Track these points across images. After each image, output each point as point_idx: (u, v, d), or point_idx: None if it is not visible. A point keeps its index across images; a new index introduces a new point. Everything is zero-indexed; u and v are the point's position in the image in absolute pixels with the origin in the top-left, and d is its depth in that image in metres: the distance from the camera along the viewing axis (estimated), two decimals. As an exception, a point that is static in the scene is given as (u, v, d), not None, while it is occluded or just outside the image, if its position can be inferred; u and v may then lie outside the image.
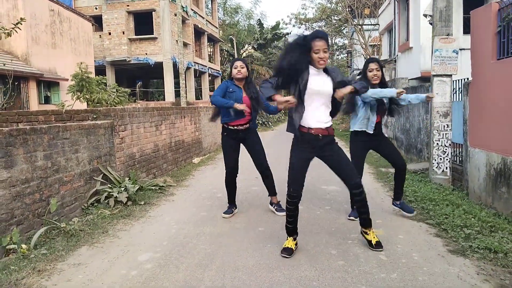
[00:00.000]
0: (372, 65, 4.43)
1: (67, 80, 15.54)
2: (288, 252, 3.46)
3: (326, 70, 3.36)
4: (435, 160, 6.11)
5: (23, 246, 3.69)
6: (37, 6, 14.62)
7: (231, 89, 4.57)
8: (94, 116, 6.03)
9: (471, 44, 5.81)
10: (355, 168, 3.69)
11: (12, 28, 7.01)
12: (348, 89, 3.25)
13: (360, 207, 3.52)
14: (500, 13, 5.19)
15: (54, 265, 3.35)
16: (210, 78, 28.52)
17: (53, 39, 15.58)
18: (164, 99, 21.90)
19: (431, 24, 6.17)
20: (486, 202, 5.33)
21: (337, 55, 42.61)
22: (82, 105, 10.21)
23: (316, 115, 3.31)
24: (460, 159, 6.65)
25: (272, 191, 4.92)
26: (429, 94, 4.57)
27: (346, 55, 38.67)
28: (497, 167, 5.11)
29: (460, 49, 8.64)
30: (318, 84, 3.27)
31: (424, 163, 7.80)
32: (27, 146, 4.19)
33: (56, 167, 4.65)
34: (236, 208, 4.96)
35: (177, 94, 21.52)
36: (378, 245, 3.52)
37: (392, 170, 7.40)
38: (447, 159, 6.09)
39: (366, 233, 3.61)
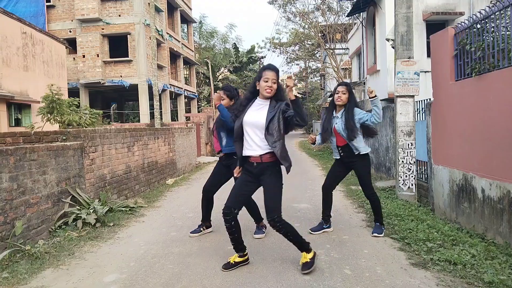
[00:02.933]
0: (339, 88, 4.64)
1: (38, 102, 15.27)
2: (225, 266, 3.59)
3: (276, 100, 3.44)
4: (401, 177, 6.30)
5: (-16, 270, 3.59)
6: (8, 29, 14.46)
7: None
8: (64, 138, 5.96)
9: (431, 66, 6.12)
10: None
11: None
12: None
13: (286, 237, 3.50)
14: (456, 38, 5.51)
15: (16, 289, 3.26)
16: (186, 100, 28.58)
17: (25, 61, 15.36)
18: (139, 121, 21.73)
19: (393, 48, 6.47)
20: (451, 217, 5.52)
21: (311, 78, 43.59)
22: (53, 127, 10.07)
23: (250, 143, 3.43)
24: (426, 176, 6.88)
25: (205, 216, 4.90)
26: (368, 92, 4.64)
27: (320, 78, 39.61)
28: (459, 183, 5.32)
29: (425, 72, 9.07)
30: (252, 116, 3.43)
31: (392, 181, 8.01)
32: (-8, 167, 4.11)
33: (23, 189, 4.56)
34: (206, 228, 4.93)
35: (152, 115, 21.45)
36: (303, 267, 3.46)
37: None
38: (412, 176, 6.29)
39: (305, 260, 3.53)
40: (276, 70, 3.43)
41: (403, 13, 6.14)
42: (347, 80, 25.88)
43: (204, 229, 4.89)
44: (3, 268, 3.71)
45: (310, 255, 3.50)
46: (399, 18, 6.19)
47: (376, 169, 9.81)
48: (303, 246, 3.51)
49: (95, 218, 5.18)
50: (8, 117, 14.09)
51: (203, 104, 23.85)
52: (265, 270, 3.53)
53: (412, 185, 6.28)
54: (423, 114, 7.02)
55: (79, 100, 8.49)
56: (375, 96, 4.55)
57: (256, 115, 3.41)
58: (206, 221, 4.91)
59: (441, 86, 5.87)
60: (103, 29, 20.81)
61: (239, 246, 3.63)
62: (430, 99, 6.39)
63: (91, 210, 5.32)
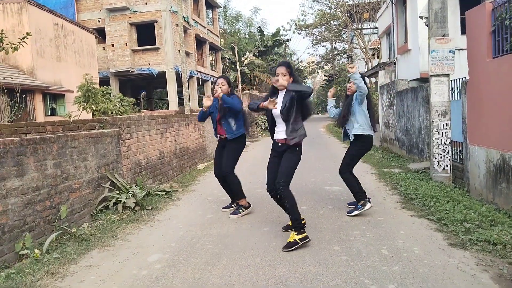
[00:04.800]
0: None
1: (72, 92, 15.79)
2: (287, 246, 3.69)
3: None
4: (436, 158, 6.20)
5: (36, 251, 3.82)
6: (41, 21, 14.90)
7: (212, 110, 5.10)
8: (101, 125, 6.17)
9: (467, 43, 5.93)
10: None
11: (18, 43, 7.22)
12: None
13: (282, 204, 3.99)
14: (493, 13, 5.30)
15: (67, 268, 3.47)
16: (212, 86, 28.79)
17: (57, 52, 15.84)
18: (168, 108, 22.09)
19: (427, 25, 6.30)
20: (487, 198, 5.41)
21: (338, 60, 42.85)
22: (88, 115, 10.40)
23: (279, 129, 4.02)
24: (461, 157, 6.74)
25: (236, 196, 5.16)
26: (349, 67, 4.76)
27: (347, 59, 38.87)
28: (496, 163, 5.19)
29: (458, 49, 8.78)
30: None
31: (425, 162, 7.88)
32: (37, 155, 4.32)
33: (66, 175, 4.78)
34: (245, 208, 5.10)
35: (181, 102, 21.74)
36: (286, 246, 3.67)
37: (395, 170, 7.52)
38: (447, 157, 6.18)
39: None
40: (285, 65, 4.01)
41: (437, -11, 5.95)
42: (376, 61, 25.30)
43: (243, 211, 5.05)
44: (53, 249, 3.94)
45: (299, 237, 3.68)
46: (432, -6, 6.01)
47: (408, 151, 9.66)
48: (296, 224, 3.76)
49: (134, 202, 5.38)
50: (44, 107, 14.64)
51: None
52: (302, 250, 3.60)
53: (447, 166, 6.17)
54: (458, 93, 6.84)
55: (112, 89, 8.71)
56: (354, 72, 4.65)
57: (278, 107, 3.92)
58: (240, 198, 5.11)
59: (478, 63, 5.69)
60: (130, 17, 21.11)
61: (296, 221, 3.80)
62: (465, 77, 6.22)
63: (130, 194, 5.53)
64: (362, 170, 7.92)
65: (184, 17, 21.68)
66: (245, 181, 5.07)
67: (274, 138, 4.09)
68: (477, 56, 5.70)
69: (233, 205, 5.26)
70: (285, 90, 3.93)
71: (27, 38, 7.50)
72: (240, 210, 5.05)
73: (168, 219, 4.96)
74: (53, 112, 15.26)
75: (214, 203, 5.73)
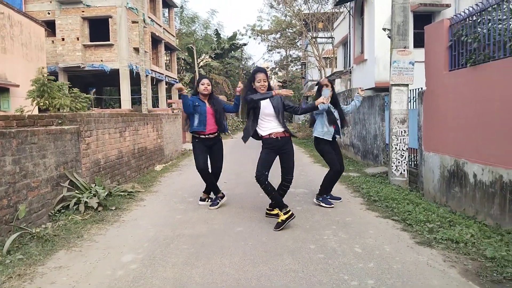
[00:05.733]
0: (326, 92, 5.35)
1: (18, 86, 14.83)
2: (277, 226, 4.29)
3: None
4: (394, 163, 6.54)
5: (-4, 252, 3.57)
6: (-15, 8, 13.91)
7: (196, 103, 5.33)
8: (60, 121, 5.87)
9: (425, 56, 6.32)
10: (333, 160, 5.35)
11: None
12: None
13: (282, 194, 4.66)
14: (451, 29, 5.71)
15: (34, 269, 3.27)
16: (167, 86, 28.23)
17: (2, 43, 14.81)
18: (120, 107, 21.36)
19: (389, 37, 6.64)
20: (441, 201, 5.79)
21: (292, 67, 43.78)
22: (34, 111, 9.83)
23: (273, 124, 4.55)
24: (415, 162, 7.15)
25: (216, 190, 5.62)
26: (361, 91, 5.86)
27: (301, 66, 39.82)
28: (450, 168, 5.58)
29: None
30: (265, 107, 4.54)
31: (381, 167, 8.28)
32: (-5, 150, 4.05)
33: (24, 172, 4.51)
34: (221, 198, 5.55)
35: (133, 101, 21.12)
36: (277, 225, 4.30)
37: (353, 174, 7.82)
38: (404, 162, 6.54)
39: (275, 214, 4.59)
40: (265, 72, 4.65)
41: (400, 3, 6.30)
42: (330, 70, 26.16)
43: (219, 201, 5.48)
44: (14, 250, 3.69)
45: (286, 216, 4.30)
46: (396, 8, 6.35)
47: (363, 156, 10.07)
48: (281, 205, 4.42)
49: (97, 202, 5.17)
50: (-14, 101, 13.64)
51: (186, 91, 23.54)
52: (280, 249, 3.66)
53: (404, 170, 6.53)
54: (414, 103, 7.27)
55: (69, 84, 8.31)
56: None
57: (267, 106, 4.53)
58: (218, 192, 5.55)
59: (435, 75, 6.08)
60: (83, 11, 20.24)
61: (280, 203, 4.43)
62: (421, 88, 6.62)
63: (92, 194, 5.31)
64: (322, 174, 8.15)
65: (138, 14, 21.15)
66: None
67: (268, 133, 4.49)
68: (434, 68, 6.09)
69: (207, 200, 5.66)
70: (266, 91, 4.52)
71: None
72: (218, 201, 5.44)
73: (135, 220, 4.81)
74: (-4, 106, 14.25)
75: (180, 203, 5.64)
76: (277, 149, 4.50)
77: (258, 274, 3.09)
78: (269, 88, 4.57)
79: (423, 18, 11.07)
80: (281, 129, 4.52)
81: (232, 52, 35.32)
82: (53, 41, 20.22)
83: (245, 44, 35.74)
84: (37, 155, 4.82)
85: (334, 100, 5.54)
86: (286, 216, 4.30)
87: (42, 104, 7.57)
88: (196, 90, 5.50)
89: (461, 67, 5.43)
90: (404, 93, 6.50)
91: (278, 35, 37.22)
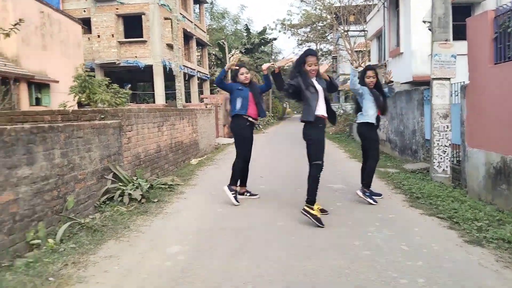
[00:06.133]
0: (370, 73, 5.40)
1: (57, 82, 15.37)
2: (318, 221, 4.23)
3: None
4: (436, 159, 6.37)
5: (50, 240, 3.73)
6: (26, 8, 14.43)
7: (239, 87, 5.42)
8: (102, 116, 6.05)
9: (468, 49, 6.10)
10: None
11: (11, 29, 6.98)
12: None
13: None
14: (496, 21, 5.48)
15: (87, 258, 3.41)
16: (199, 81, 28.56)
17: (43, 41, 15.38)
18: (154, 102, 21.80)
19: (430, 30, 6.45)
20: (486, 199, 5.59)
21: (322, 61, 43.27)
22: (74, 106, 10.16)
23: (322, 107, 4.51)
24: (457, 159, 6.94)
25: (245, 181, 5.73)
26: (385, 76, 5.77)
27: (332, 60, 39.30)
28: (496, 165, 5.38)
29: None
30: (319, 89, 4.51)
31: (421, 163, 8.07)
32: (45, 143, 4.21)
33: (72, 165, 4.69)
34: (249, 194, 5.66)
35: (167, 97, 21.47)
36: (318, 220, 4.23)
37: (392, 170, 7.68)
38: (447, 159, 6.36)
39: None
40: (317, 55, 4.57)
41: (442, -6, 6.11)
42: (369, 63, 25.68)
43: (247, 195, 5.62)
44: (66, 239, 3.85)
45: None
46: (436, 0, 6.16)
47: (400, 152, 9.86)
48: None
49: (140, 194, 5.32)
50: (28, 96, 14.20)
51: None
52: (324, 244, 3.65)
53: (446, 167, 6.35)
54: (456, 97, 7.03)
55: (109, 79, 8.55)
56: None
57: (320, 88, 4.50)
58: (245, 185, 5.68)
59: (479, 69, 5.86)
60: (117, 9, 20.71)
61: (315, 196, 4.40)
62: (463, 82, 6.40)
63: (135, 186, 5.46)
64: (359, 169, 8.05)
65: (171, 10, 21.43)
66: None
67: (321, 113, 4.45)
68: (478, 62, 5.87)
69: (245, 193, 5.71)
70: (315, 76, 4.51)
71: (20, 25, 7.26)
72: (233, 190, 5.44)
73: (177, 212, 4.92)
74: (38, 102, 14.81)
75: (220, 197, 5.71)
76: (323, 129, 4.52)
77: (305, 270, 3.09)
78: (318, 73, 4.53)
79: (461, 10, 10.67)
80: (325, 113, 4.55)
81: (262, 47, 35.26)
82: (89, 38, 20.81)
83: (275, 39, 35.57)
84: (83, 149, 4.99)
85: (378, 87, 5.47)
86: (318, 211, 4.39)
87: (83, 99, 7.81)
88: (234, 78, 5.57)
89: (508, 59, 5.21)
90: (446, 87, 6.31)
91: (308, 29, 36.86)
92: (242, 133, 5.43)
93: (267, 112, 27.99)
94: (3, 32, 6.97)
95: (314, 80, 4.49)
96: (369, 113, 5.35)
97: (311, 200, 4.37)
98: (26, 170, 3.85)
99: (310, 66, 4.41)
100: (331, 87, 4.72)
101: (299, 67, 4.48)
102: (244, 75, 5.42)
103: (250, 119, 5.36)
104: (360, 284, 2.81)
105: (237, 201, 5.29)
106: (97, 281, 2.96)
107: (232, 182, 5.46)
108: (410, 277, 2.91)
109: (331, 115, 4.63)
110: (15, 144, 3.71)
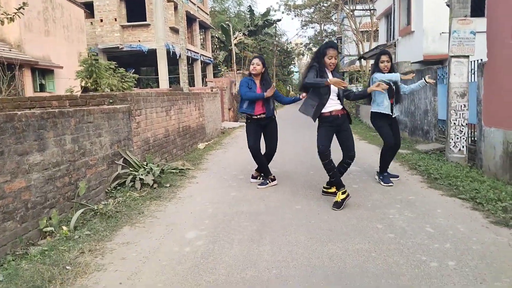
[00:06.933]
0: (384, 57, 5.22)
1: (61, 67, 15.21)
2: (336, 205, 4.15)
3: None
4: (452, 139, 6.22)
5: (64, 228, 3.66)
6: (28, -9, 14.20)
7: (249, 86, 5.29)
8: (111, 101, 5.93)
9: (487, 25, 5.87)
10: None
11: (14, 13, 6.82)
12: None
13: (343, 171, 4.50)
14: (518, -6, 5.25)
15: (103, 245, 3.33)
16: (202, 65, 28.25)
17: (45, 26, 15.16)
18: (158, 87, 21.62)
19: (448, 6, 6.22)
20: (503, 179, 5.45)
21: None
22: (79, 92, 10.03)
23: (335, 101, 4.41)
24: (472, 138, 6.78)
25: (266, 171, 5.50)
26: (429, 79, 5.40)
27: (336, 41, 38.74)
28: (516, 144, 5.22)
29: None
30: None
31: (433, 144, 7.93)
32: (56, 129, 4.12)
33: (83, 151, 4.59)
34: (271, 181, 5.42)
35: (171, 81, 21.27)
36: (336, 204, 4.16)
37: (404, 151, 7.55)
38: (463, 138, 6.21)
39: (333, 192, 4.49)
40: (337, 48, 4.45)
41: (461, -33, 5.86)
42: (367, 44, 25.24)
43: (269, 182, 5.36)
44: (80, 226, 3.78)
45: (344, 196, 4.21)
46: (455, -26, 5.91)
47: (411, 132, 9.70)
48: (340, 185, 4.29)
49: (152, 179, 5.23)
50: (33, 83, 14.07)
51: (223, 69, 23.49)
52: (345, 228, 3.55)
53: (463, 147, 6.20)
54: (472, 75, 6.83)
55: (115, 63, 8.38)
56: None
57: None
58: (269, 174, 5.43)
59: (498, 45, 5.65)
60: (119, -8, 20.36)
61: (339, 182, 4.29)
62: (481, 60, 6.20)
63: (147, 172, 5.36)
64: (372, 151, 7.93)
65: (176, -7, 21.05)
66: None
67: (329, 111, 4.34)
68: (498, 37, 5.65)
69: (259, 177, 5.60)
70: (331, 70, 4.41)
71: (23, 9, 7.08)
72: (268, 181, 5.33)
73: (191, 197, 4.83)
74: (42, 88, 14.69)
75: (232, 181, 5.62)
76: (336, 126, 4.38)
77: (329, 253, 2.99)
78: (337, 67, 4.45)
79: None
80: (340, 107, 4.40)
81: (266, 28, 34.75)
82: (91, 22, 20.54)
83: (278, 20, 35.03)
84: (93, 134, 4.89)
85: (392, 71, 5.30)
86: (344, 196, 4.21)
87: (90, 84, 7.68)
88: (249, 71, 5.43)
89: (532, 34, 5.00)
90: (464, 65, 6.11)
91: (312, 10, 36.27)
92: (247, 126, 5.46)
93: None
94: (7, 17, 6.82)
95: (330, 74, 4.37)
96: (385, 104, 5.22)
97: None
98: (38, 157, 3.76)
99: (330, 59, 4.30)
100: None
101: (318, 59, 4.39)
102: (254, 65, 5.29)
103: (255, 117, 5.27)
104: (389, 269, 2.71)
105: (270, 180, 5.38)
106: (116, 269, 2.88)
107: (259, 172, 5.62)
108: (440, 260, 2.81)
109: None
110: (26, 130, 3.61)
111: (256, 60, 5.36)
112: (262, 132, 5.41)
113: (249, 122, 5.40)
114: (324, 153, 4.24)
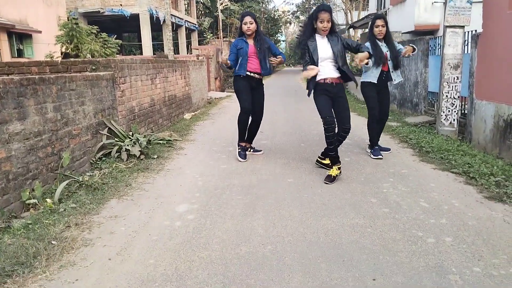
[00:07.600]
0: (379, 21, 5.03)
1: (40, 32, 14.54)
2: (329, 179, 4.08)
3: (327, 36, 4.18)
4: (444, 112, 6.18)
5: (48, 200, 3.51)
6: None
7: (239, 46, 4.93)
8: (93, 68, 5.65)
9: (483, -7, 5.74)
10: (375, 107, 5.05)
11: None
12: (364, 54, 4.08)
13: (338, 144, 4.27)
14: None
15: (90, 218, 3.20)
16: (186, 32, 27.45)
17: (21, -14, 14.37)
18: (141, 54, 20.98)
19: (444, -27, 6.02)
20: (492, 152, 5.48)
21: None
22: (59, 58, 9.59)
23: (328, 70, 4.18)
24: (462, 111, 6.76)
25: (251, 138, 5.39)
26: (407, 50, 5.07)
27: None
28: (507, 118, 5.21)
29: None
30: (324, 51, 4.13)
31: (422, 117, 7.91)
32: (37, 97, 3.90)
33: (65, 120, 4.39)
34: (253, 150, 5.37)
35: (154, 48, 20.65)
36: (329, 178, 4.10)
37: (393, 124, 7.51)
38: (455, 111, 6.18)
39: (327, 164, 4.41)
40: (330, 10, 4.13)
41: None
42: (355, 13, 24.79)
43: (250, 151, 5.32)
44: (65, 198, 3.63)
45: (339, 171, 4.18)
46: None
47: (399, 105, 9.66)
48: (337, 159, 4.22)
49: (139, 150, 5.06)
50: (10, 48, 13.44)
51: (208, 37, 22.87)
52: (339, 202, 3.49)
53: (454, 120, 6.18)
54: (466, 47, 6.73)
55: (97, 28, 7.97)
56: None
57: (327, 50, 4.13)
58: (251, 141, 5.35)
59: (495, 15, 5.54)
60: (100, -49, 19.34)
61: (337, 157, 4.20)
62: (475, 31, 6.09)
63: (133, 142, 5.19)
64: (362, 123, 7.85)
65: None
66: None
67: (323, 78, 4.14)
68: (495, 8, 5.54)
69: (250, 149, 5.41)
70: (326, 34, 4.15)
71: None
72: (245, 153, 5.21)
73: (180, 169, 4.70)
74: (20, 53, 14.07)
75: (221, 153, 5.49)
76: (331, 95, 4.17)
77: (324, 229, 2.93)
78: (332, 30, 4.13)
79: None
80: (336, 75, 4.18)
81: (253, -5, 33.83)
82: (71, -16, 19.57)
83: (266, -13, 34.09)
84: (76, 102, 4.67)
85: (387, 37, 5.08)
86: (338, 171, 4.15)
87: (71, 49, 7.31)
88: (241, 31, 5.01)
89: (530, 5, 4.89)
90: (459, 35, 5.99)
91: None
92: (237, 86, 5.06)
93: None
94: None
95: (323, 40, 4.14)
96: (373, 73, 4.99)
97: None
98: (18, 126, 3.56)
99: (322, 23, 4.04)
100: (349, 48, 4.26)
101: (310, 24, 4.17)
102: (247, 25, 4.85)
103: (249, 74, 4.91)
104: (386, 245, 2.66)
105: (242, 158, 5.06)
106: (104, 244, 2.76)
107: (239, 138, 5.21)
108: (437, 236, 2.77)
109: (345, 77, 4.24)
110: (5, 97, 3.39)
111: (248, 18, 4.88)
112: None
113: (240, 78, 4.98)
114: (331, 125, 4.05)
